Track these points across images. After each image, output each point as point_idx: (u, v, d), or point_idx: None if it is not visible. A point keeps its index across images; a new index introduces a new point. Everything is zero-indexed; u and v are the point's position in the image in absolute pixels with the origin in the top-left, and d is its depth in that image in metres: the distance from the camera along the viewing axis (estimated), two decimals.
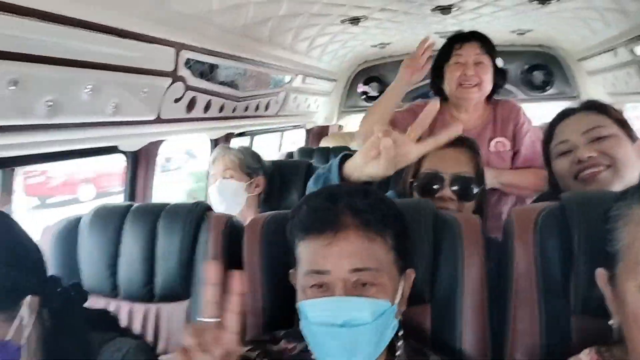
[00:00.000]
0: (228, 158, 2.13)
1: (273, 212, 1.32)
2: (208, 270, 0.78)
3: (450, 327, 1.15)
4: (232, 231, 1.41)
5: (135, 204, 1.49)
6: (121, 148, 1.98)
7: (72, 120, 1.40)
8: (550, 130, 1.47)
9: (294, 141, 4.60)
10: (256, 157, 2.21)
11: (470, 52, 2.02)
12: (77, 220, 1.44)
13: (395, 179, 1.48)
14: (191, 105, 2.01)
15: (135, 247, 1.41)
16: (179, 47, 1.72)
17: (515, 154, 2.04)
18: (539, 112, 3.83)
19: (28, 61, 1.17)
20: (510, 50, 3.79)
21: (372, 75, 4.25)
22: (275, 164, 2.41)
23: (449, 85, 2.03)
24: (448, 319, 1.15)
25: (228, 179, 2.11)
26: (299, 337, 1.03)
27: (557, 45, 3.72)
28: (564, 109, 1.49)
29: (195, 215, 1.42)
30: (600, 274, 0.87)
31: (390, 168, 1.06)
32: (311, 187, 1.26)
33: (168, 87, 1.78)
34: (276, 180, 2.30)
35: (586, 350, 0.89)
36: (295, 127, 4.15)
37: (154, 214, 1.44)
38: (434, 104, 1.08)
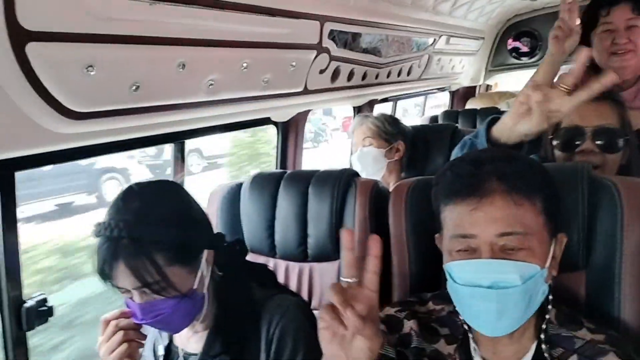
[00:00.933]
0: (366, 126, 2.19)
1: (418, 177, 1.34)
2: (343, 237, 0.84)
3: (607, 296, 1.10)
4: (378, 196, 1.46)
5: (288, 171, 1.61)
6: (273, 119, 2.12)
7: (230, 96, 1.53)
8: None
9: (439, 104, 4.50)
10: (395, 122, 2.23)
11: (620, 17, 1.81)
12: (239, 186, 1.60)
13: (535, 143, 1.41)
14: (335, 75, 2.08)
15: (289, 211, 1.53)
16: (323, 19, 1.78)
17: None
18: None
19: (193, 45, 1.30)
20: None
21: (523, 30, 3.96)
22: (418, 128, 2.41)
23: (599, 55, 1.86)
24: (605, 286, 1.10)
25: (367, 147, 2.16)
26: (447, 299, 1.04)
27: None
28: None
29: (343, 180, 1.50)
30: None
31: (543, 123, 1.04)
32: (457, 154, 1.27)
33: (313, 60, 1.85)
34: (419, 145, 2.31)
35: None
36: (439, 89, 4.04)
37: (306, 180, 1.54)
38: (585, 51, 1.02)
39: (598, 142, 1.39)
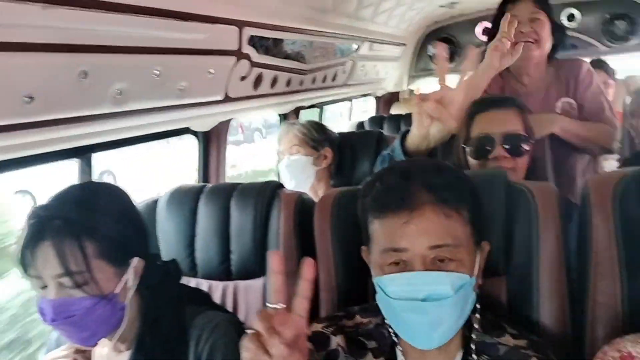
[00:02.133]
0: (292, 134, 2.15)
1: (343, 187, 1.32)
2: (271, 260, 0.79)
3: (527, 299, 1.12)
4: (303, 208, 1.42)
5: (209, 185, 1.53)
6: (193, 129, 2.03)
7: (141, 106, 1.44)
8: None
9: (366, 109, 4.54)
10: (321, 129, 2.21)
11: (524, 10, 1.92)
12: (154, 203, 1.50)
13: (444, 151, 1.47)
14: (258, 82, 2.02)
15: (211, 226, 1.46)
16: (241, 24, 1.72)
17: (579, 108, 1.95)
18: (620, 65, 3.57)
19: (96, 52, 1.20)
20: (589, 0, 3.51)
21: (442, 37, 4.08)
22: (345, 135, 2.40)
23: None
24: (524, 290, 1.13)
25: (295, 155, 2.11)
26: (374, 312, 1.03)
27: None
28: None
29: (267, 193, 1.44)
30: None
31: (450, 123, 1.08)
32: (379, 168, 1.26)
33: (233, 66, 1.78)
34: (347, 152, 2.29)
35: None
36: (364, 95, 4.08)
37: (227, 194, 1.47)
38: (473, 50, 1.11)
39: (507, 148, 1.47)
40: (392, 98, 4.33)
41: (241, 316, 1.42)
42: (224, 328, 1.09)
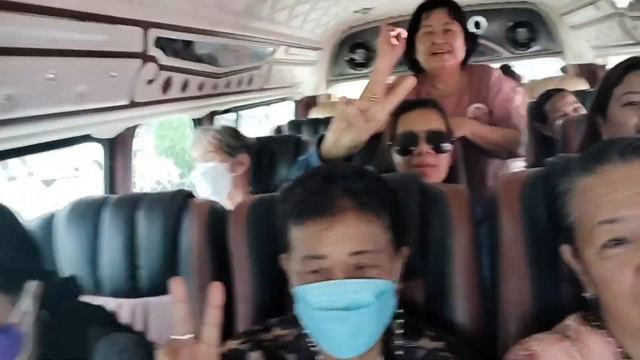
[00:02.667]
0: (206, 140, 2.07)
1: (259, 195, 1.27)
2: (173, 288, 0.73)
3: (443, 300, 1.13)
4: (216, 217, 1.35)
5: (113, 196, 1.43)
6: (95, 136, 1.89)
7: (33, 112, 1.31)
8: (618, 74, 1.41)
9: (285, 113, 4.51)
10: (236, 134, 2.15)
11: (438, 20, 2.00)
12: (51, 217, 1.37)
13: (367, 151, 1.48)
14: (167, 85, 1.92)
15: (116, 241, 1.35)
16: (146, 25, 1.63)
17: (489, 113, 2.05)
18: (524, 70, 3.81)
19: None
20: (494, 8, 3.75)
21: (357, 42, 4.14)
22: (263, 140, 2.35)
23: (421, 56, 2.03)
24: (441, 291, 1.14)
25: (209, 162, 2.04)
26: (294, 323, 1.00)
27: (540, 1, 3.65)
28: (634, 60, 1.42)
29: (176, 203, 1.36)
30: (565, 249, 0.89)
31: (364, 133, 1.08)
32: (296, 175, 1.25)
33: (139, 69, 1.68)
34: (265, 157, 2.24)
35: (573, 316, 0.90)
36: (282, 99, 4.05)
37: (133, 205, 1.37)
38: (411, 80, 1.11)
39: (431, 144, 1.55)
40: (310, 102, 4.33)
41: (153, 335, 1.32)
42: (131, 351, 1.01)
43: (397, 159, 1.60)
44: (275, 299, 1.16)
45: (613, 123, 1.37)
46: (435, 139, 1.57)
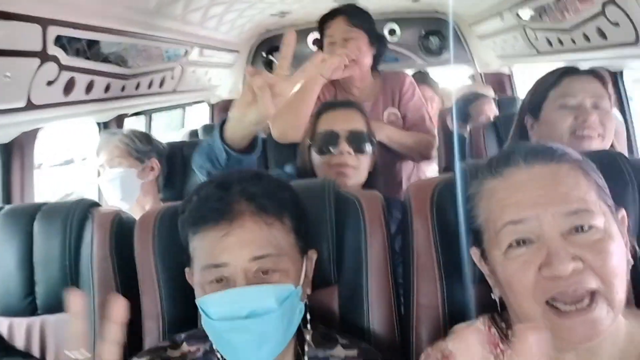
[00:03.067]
0: (113, 144, 1.96)
1: (166, 204, 1.22)
2: (70, 301, 0.66)
3: (357, 307, 1.13)
4: (121, 229, 1.28)
5: (5, 206, 1.31)
6: None
7: None
8: (555, 78, 1.49)
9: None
10: (146, 138, 2.05)
11: (338, 30, 2.01)
12: None
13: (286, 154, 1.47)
14: (69, 87, 1.80)
15: (10, 255, 1.25)
16: (45, 23, 1.51)
17: (403, 118, 2.10)
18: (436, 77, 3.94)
19: None
20: (407, 17, 3.86)
21: (275, 45, 4.12)
22: (174, 145, 2.27)
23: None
24: (355, 298, 1.14)
25: (116, 167, 1.93)
26: (203, 338, 0.97)
27: (450, 11, 3.79)
28: (570, 67, 1.51)
29: (77, 214, 1.27)
30: (474, 252, 0.91)
31: (269, 109, 1.04)
32: (197, 160, 1.22)
33: (37, 69, 1.56)
34: (177, 163, 2.16)
35: (481, 318, 0.93)
36: (197, 102, 3.94)
37: (30, 216, 1.27)
38: (291, 34, 1.07)
39: (351, 145, 1.55)
40: (227, 105, 4.25)
41: (50, 356, 1.24)
42: None
43: (317, 159, 1.58)
44: (185, 314, 1.11)
45: (547, 123, 1.44)
46: (357, 139, 1.56)
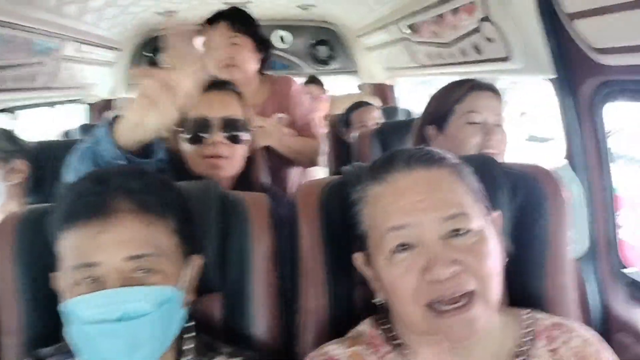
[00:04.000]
0: None
1: (30, 207, 1.11)
2: None
3: (241, 314, 1.10)
4: None
5: None
6: None
7: None
8: (460, 93, 1.50)
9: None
10: (11, 138, 1.87)
11: (221, 34, 1.99)
12: None
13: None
14: None
15: None
16: None
17: (291, 125, 2.11)
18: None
19: None
20: (297, 24, 3.91)
21: (160, 45, 3.96)
22: (45, 145, 2.08)
23: (212, 69, 1.99)
24: (239, 305, 1.11)
25: None
26: (70, 352, 0.89)
27: (339, 22, 3.91)
28: (475, 82, 1.53)
29: None
30: (357, 257, 0.93)
31: (172, 109, 0.97)
32: (76, 166, 1.09)
33: None
34: (48, 164, 1.98)
35: (366, 321, 0.94)
36: (73, 101, 3.66)
37: None
38: (168, 20, 1.00)
39: (225, 133, 1.41)
40: (106, 106, 4.00)
41: None
42: None
43: (187, 147, 1.42)
44: (48, 329, 1.01)
45: (454, 138, 1.48)
46: (231, 128, 1.43)
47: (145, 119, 0.99)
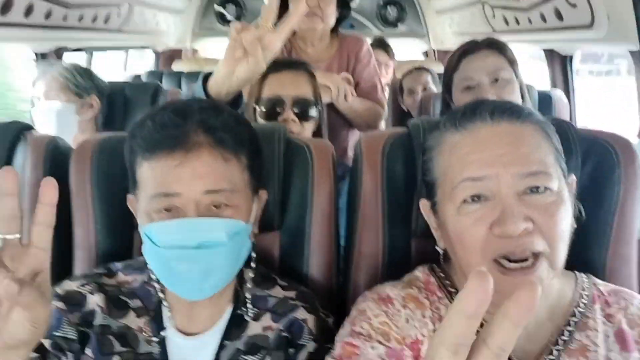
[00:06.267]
0: (51, 76, 1.84)
1: (107, 133, 1.17)
2: (4, 178, 0.61)
3: (297, 253, 1.14)
4: (56, 155, 1.21)
5: None
6: None
7: None
8: (455, 62, 1.54)
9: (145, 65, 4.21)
10: (87, 74, 1.94)
11: None
12: None
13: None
14: (7, 6, 1.66)
15: None
16: None
17: (356, 86, 2.09)
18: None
19: None
20: None
21: None
22: (117, 85, 2.17)
23: (297, 20, 1.97)
24: (296, 245, 1.14)
25: (53, 100, 1.82)
26: (140, 269, 0.96)
27: None
28: (468, 43, 1.54)
29: (8, 135, 1.19)
30: (424, 203, 0.92)
31: (260, 64, 1.02)
32: None
33: None
34: (118, 103, 2.07)
35: (420, 268, 0.95)
36: (143, 47, 3.77)
37: None
38: (302, 4, 1.06)
39: (296, 111, 1.54)
40: (174, 55, 4.10)
41: None
42: None
43: (261, 122, 1.55)
44: (121, 244, 1.09)
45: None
46: (302, 106, 1.55)
47: (237, 70, 1.03)
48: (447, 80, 1.57)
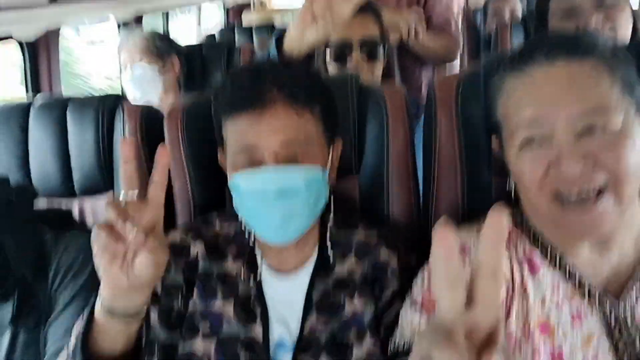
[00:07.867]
0: (133, 42, 1.98)
1: (193, 99, 1.25)
2: (122, 147, 0.75)
3: (378, 196, 1.18)
4: (149, 120, 1.33)
5: (38, 99, 1.37)
6: (15, 37, 1.74)
7: None
8: None
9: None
10: (166, 38, 2.07)
11: None
12: None
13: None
14: None
15: (46, 144, 1.32)
16: None
17: (427, 21, 2.01)
18: None
19: None
20: None
21: None
22: (192, 47, 2.28)
23: None
24: (376, 187, 1.18)
25: (138, 63, 1.97)
26: (233, 218, 1.04)
27: None
28: None
29: (107, 105, 1.32)
30: (494, 140, 0.92)
31: (328, 29, 1.08)
32: None
33: None
34: (196, 63, 2.19)
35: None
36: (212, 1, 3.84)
37: (61, 108, 1.33)
38: None
39: (364, 53, 1.55)
40: (241, 8, 4.15)
41: None
42: (88, 249, 1.05)
43: (331, 65, 1.59)
44: (213, 197, 1.19)
45: None
46: (369, 46, 1.56)
47: (305, 35, 1.10)
48: (541, 4, 1.44)
